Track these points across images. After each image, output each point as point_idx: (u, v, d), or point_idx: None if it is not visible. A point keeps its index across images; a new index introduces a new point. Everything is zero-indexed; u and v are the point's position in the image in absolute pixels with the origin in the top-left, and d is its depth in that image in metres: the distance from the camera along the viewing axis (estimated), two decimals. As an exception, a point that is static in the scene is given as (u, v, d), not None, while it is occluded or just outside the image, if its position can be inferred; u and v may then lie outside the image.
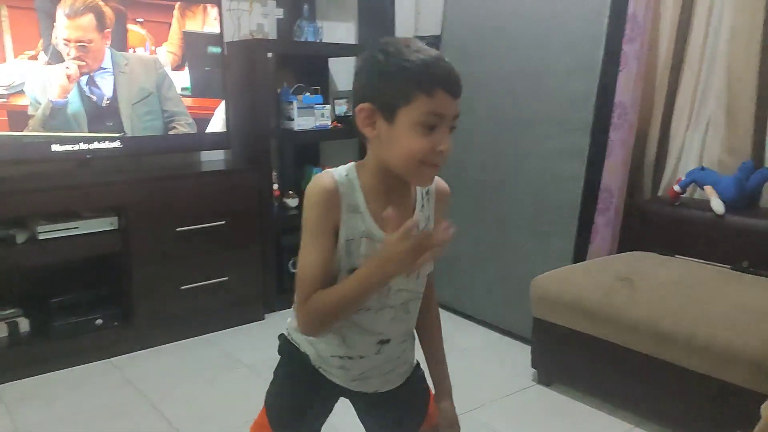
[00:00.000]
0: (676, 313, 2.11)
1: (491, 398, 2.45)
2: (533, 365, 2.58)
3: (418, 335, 1.34)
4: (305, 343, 1.24)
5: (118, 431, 2.23)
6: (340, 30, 3.75)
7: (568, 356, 2.46)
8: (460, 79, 1.08)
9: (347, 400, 1.32)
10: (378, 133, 1.07)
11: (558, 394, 2.50)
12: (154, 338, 2.87)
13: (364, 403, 1.31)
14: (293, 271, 3.33)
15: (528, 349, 2.60)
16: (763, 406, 1.64)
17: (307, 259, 1.09)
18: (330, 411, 1.32)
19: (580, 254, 2.77)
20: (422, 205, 1.19)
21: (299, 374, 1.26)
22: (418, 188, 1.19)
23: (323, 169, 3.44)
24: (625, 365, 2.24)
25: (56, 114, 2.69)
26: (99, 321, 2.75)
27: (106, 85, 2.80)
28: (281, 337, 1.30)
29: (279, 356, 1.30)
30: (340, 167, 1.14)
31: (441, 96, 1.04)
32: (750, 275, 2.44)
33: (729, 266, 2.54)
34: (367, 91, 1.08)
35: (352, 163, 1.15)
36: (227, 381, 2.60)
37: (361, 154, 3.84)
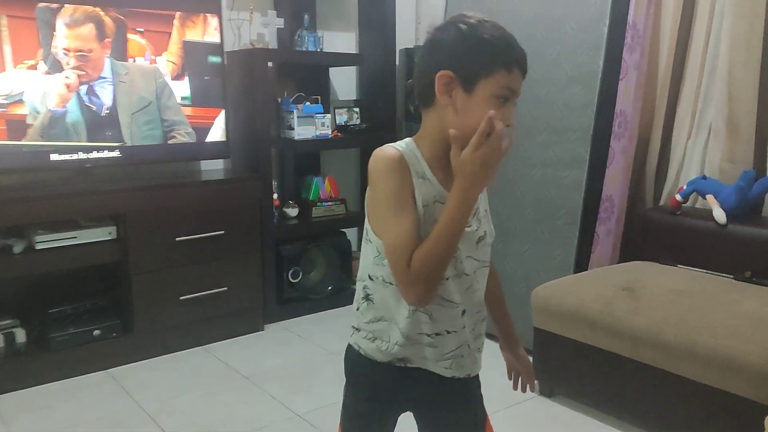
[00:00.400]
0: (677, 323, 2.09)
1: (493, 410, 2.38)
2: (535, 376, 2.55)
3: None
4: (385, 344, 1.19)
5: (115, 443, 2.21)
6: (341, 39, 3.75)
7: (570, 367, 2.43)
8: None
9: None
10: (453, 101, 1.11)
11: (560, 405, 2.47)
12: (152, 349, 2.85)
13: (427, 406, 1.27)
14: (293, 281, 3.32)
15: (530, 359, 2.57)
16: (767, 420, 1.63)
17: (399, 230, 1.08)
18: (395, 423, 1.31)
19: (581, 264, 2.76)
20: None
21: (370, 394, 1.25)
22: None
23: (324, 178, 3.50)
24: (627, 375, 2.22)
25: (55, 123, 2.69)
26: (97, 332, 2.73)
27: (105, 94, 2.79)
28: (348, 353, 1.26)
29: (346, 376, 1.28)
30: (397, 142, 1.16)
31: (516, 73, 1.11)
32: (753, 285, 2.42)
33: (731, 276, 2.53)
34: (449, 59, 1.10)
35: (409, 138, 1.17)
36: (226, 392, 2.58)
37: (361, 163, 3.86)
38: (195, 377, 2.70)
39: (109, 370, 2.75)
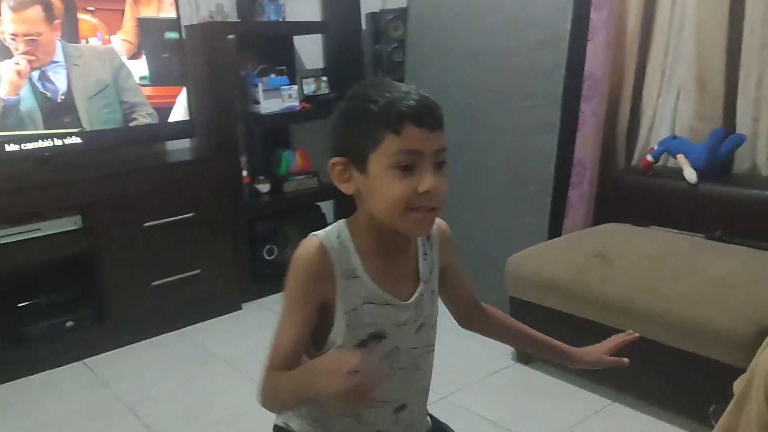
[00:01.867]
0: (650, 290, 2.10)
1: (471, 380, 2.44)
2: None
3: (504, 340, 1.33)
4: (308, 428, 1.12)
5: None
6: (304, 6, 3.63)
7: (546, 334, 2.44)
8: (439, 109, 0.99)
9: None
10: (356, 187, 1.00)
11: (537, 371, 2.50)
12: (128, 337, 2.83)
13: None
14: (269, 258, 3.29)
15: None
16: (735, 383, 1.65)
17: (281, 332, 1.01)
18: None
19: (555, 229, 2.75)
20: (425, 254, 1.11)
21: None
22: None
23: (294, 152, 3.44)
24: (600, 341, 2.23)
25: (8, 112, 2.59)
26: (70, 323, 2.69)
27: (59, 79, 2.69)
28: (276, 430, 1.18)
29: None
30: (329, 228, 1.05)
31: (411, 131, 0.94)
32: (724, 244, 2.43)
33: (703, 235, 2.54)
34: (335, 144, 1.01)
35: (342, 221, 1.06)
36: (204, 376, 2.57)
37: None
38: (173, 363, 2.69)
39: (85, 360, 2.72)
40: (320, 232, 1.04)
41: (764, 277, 2.08)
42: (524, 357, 2.56)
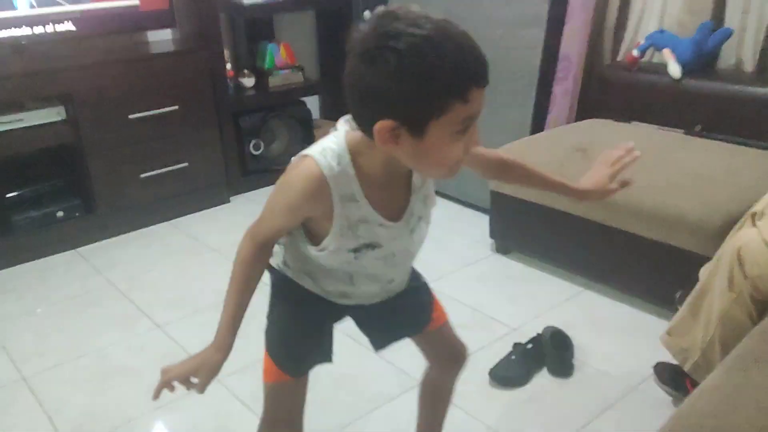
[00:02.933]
0: (626, 182, 2.15)
1: (451, 269, 2.54)
2: (491, 235, 2.65)
3: (525, 186, 1.36)
4: (304, 277, 1.18)
5: (90, 319, 2.29)
6: None
7: (525, 226, 2.53)
8: (483, 54, 0.91)
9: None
10: (402, 147, 0.91)
11: (515, 261, 2.60)
12: (118, 227, 2.88)
13: (366, 315, 1.27)
14: (255, 153, 3.30)
15: (487, 219, 2.67)
16: (701, 270, 1.74)
17: (267, 218, 1.06)
18: (332, 330, 1.28)
19: (538, 124, 2.77)
20: (420, 184, 1.10)
21: (303, 305, 1.21)
22: None
23: (278, 45, 3.37)
24: (576, 233, 2.32)
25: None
26: (60, 213, 2.73)
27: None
28: (272, 272, 1.22)
29: (272, 295, 1.25)
30: (329, 150, 0.98)
31: (475, 95, 0.88)
32: (702, 139, 2.47)
33: (683, 131, 2.57)
34: (383, 104, 0.88)
35: (344, 142, 0.98)
36: (194, 264, 2.65)
37: (317, 26, 3.70)
38: (163, 252, 2.76)
39: (78, 249, 2.79)
40: (321, 159, 0.97)
41: (738, 171, 2.14)
42: (503, 248, 2.65)
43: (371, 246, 1.08)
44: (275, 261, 1.21)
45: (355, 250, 1.07)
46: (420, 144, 0.90)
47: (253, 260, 1.07)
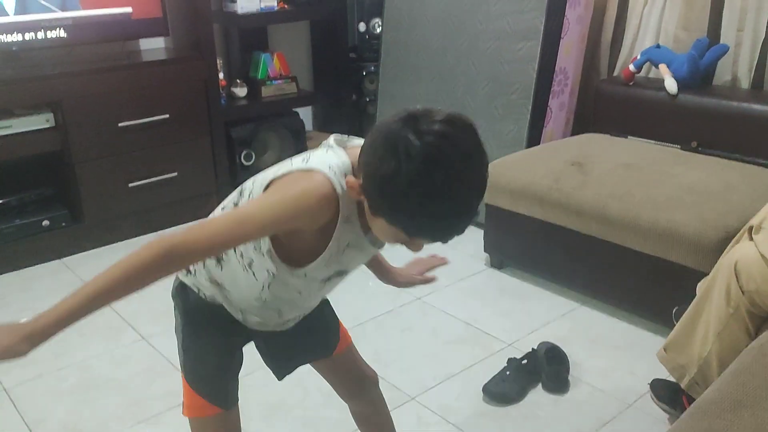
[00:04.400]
0: (622, 197, 2.13)
1: (445, 283, 2.50)
2: (485, 250, 2.62)
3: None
4: (220, 298, 1.12)
5: (73, 329, 2.22)
6: None
7: (520, 240, 2.50)
8: (469, 221, 0.90)
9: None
10: (362, 201, 0.93)
11: (509, 276, 2.56)
12: (105, 237, 2.83)
13: (276, 340, 1.22)
14: (246, 163, 3.26)
15: (482, 234, 2.63)
16: (699, 285, 1.71)
17: (233, 226, 0.92)
18: (242, 357, 1.23)
19: (533, 138, 2.75)
20: None
21: (218, 332, 1.15)
22: None
23: (272, 55, 3.35)
24: (573, 248, 2.29)
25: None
26: (46, 222, 2.68)
27: (24, -32, 2.55)
28: (183, 290, 1.14)
29: (182, 316, 1.17)
30: (333, 165, 0.95)
31: (423, 242, 0.95)
32: (699, 155, 2.46)
33: (679, 146, 2.56)
34: (364, 173, 0.89)
35: (347, 159, 0.97)
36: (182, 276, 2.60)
37: (312, 37, 3.68)
38: (151, 263, 2.71)
39: (63, 259, 2.73)
40: (331, 175, 0.94)
41: (735, 186, 2.12)
42: (497, 262, 2.62)
43: (342, 273, 1.08)
44: (191, 280, 1.13)
45: (329, 279, 1.07)
46: (371, 216, 0.93)
47: (156, 269, 0.88)
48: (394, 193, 0.85)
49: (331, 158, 0.96)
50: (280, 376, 1.28)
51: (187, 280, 1.13)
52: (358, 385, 1.35)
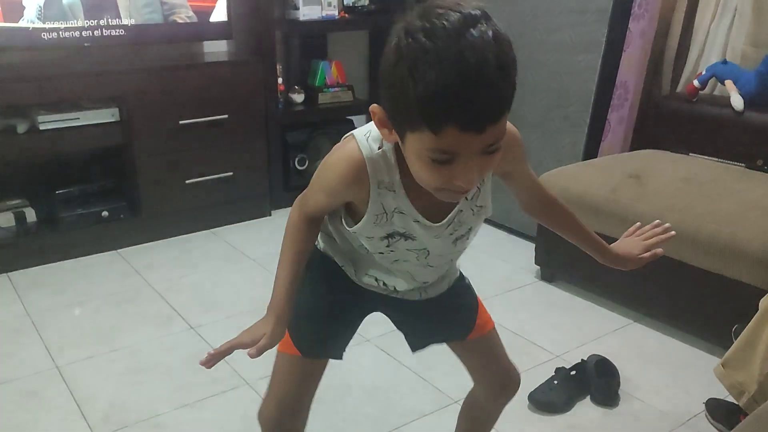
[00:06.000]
0: (682, 210, 2.06)
1: (494, 293, 2.47)
2: (537, 262, 2.57)
3: (562, 233, 1.24)
4: (345, 259, 1.15)
5: (125, 316, 2.28)
6: None
7: (572, 253, 2.39)
8: (506, 88, 0.78)
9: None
10: (395, 139, 0.87)
11: (560, 290, 2.51)
12: (160, 231, 2.90)
13: (402, 312, 1.22)
14: (300, 168, 3.31)
15: (533, 247, 2.59)
16: (762, 300, 1.64)
17: (313, 197, 1.03)
18: (357, 326, 1.22)
19: (591, 152, 2.70)
20: (473, 192, 1.02)
21: (337, 287, 1.16)
22: None
23: (330, 63, 3.40)
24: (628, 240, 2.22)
25: (51, 4, 2.59)
26: (105, 213, 2.76)
27: (101, -29, 2.67)
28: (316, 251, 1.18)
29: (306, 269, 1.16)
30: (373, 133, 0.94)
31: (452, 134, 0.76)
32: (764, 173, 2.37)
33: (743, 165, 2.47)
34: (382, 92, 0.83)
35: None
36: (233, 273, 2.64)
37: (370, 46, 3.72)
38: (202, 258, 2.76)
39: (119, 250, 2.81)
40: (362, 141, 0.93)
41: (803, 204, 2.03)
42: (548, 275, 2.57)
43: (404, 236, 1.03)
44: (321, 245, 1.18)
45: (388, 237, 1.02)
46: (404, 147, 0.85)
47: (303, 226, 1.06)
48: (392, 76, 0.78)
49: (367, 129, 0.96)
50: (414, 348, 1.27)
51: (319, 245, 1.19)
52: (494, 380, 1.31)
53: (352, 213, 1.05)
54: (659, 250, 1.28)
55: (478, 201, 1.04)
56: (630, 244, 1.30)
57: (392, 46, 0.79)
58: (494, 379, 1.32)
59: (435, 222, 1.01)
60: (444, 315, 1.23)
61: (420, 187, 0.90)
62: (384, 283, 1.15)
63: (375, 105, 0.86)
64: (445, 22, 0.75)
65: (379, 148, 0.93)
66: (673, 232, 1.31)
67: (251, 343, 0.99)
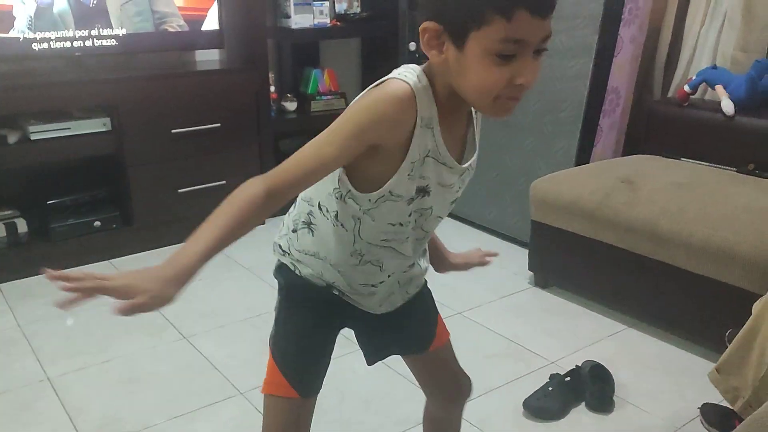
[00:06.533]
0: (675, 214, 2.07)
1: (488, 299, 2.46)
2: (530, 268, 2.57)
3: None
4: (318, 269, 1.09)
5: (118, 326, 2.26)
6: None
7: (566, 258, 2.44)
8: None
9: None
10: (446, 58, 0.88)
11: (554, 295, 2.50)
12: (153, 240, 2.88)
13: (370, 322, 1.17)
14: (293, 175, 3.30)
15: (526, 253, 2.59)
16: (754, 305, 1.64)
17: (315, 152, 0.90)
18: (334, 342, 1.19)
19: (583, 157, 2.71)
20: (475, 121, 1.06)
21: (315, 310, 1.12)
22: None
23: (323, 71, 3.40)
24: (621, 266, 2.23)
25: (42, 14, 2.58)
26: (97, 223, 2.75)
27: (92, -19, 2.67)
28: (282, 269, 1.13)
29: (282, 294, 1.15)
30: (409, 71, 0.93)
31: (524, 18, 0.81)
32: (755, 177, 2.38)
33: (735, 169, 2.48)
34: (432, 5, 0.87)
35: (417, 67, 0.95)
36: (227, 281, 2.63)
37: (362, 54, 3.73)
38: (196, 268, 2.74)
39: (111, 260, 2.79)
40: (407, 75, 0.92)
41: (795, 208, 2.03)
42: (542, 281, 2.57)
43: (425, 191, 1.00)
44: (288, 260, 1.12)
45: (413, 199, 0.99)
46: (461, 58, 0.86)
47: (261, 201, 0.90)
48: None
49: (400, 70, 0.94)
50: (371, 361, 1.23)
51: (285, 260, 1.12)
52: (448, 389, 1.30)
53: (363, 181, 0.97)
54: (489, 258, 1.33)
55: (475, 157, 1.06)
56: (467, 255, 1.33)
57: None
58: (448, 388, 1.30)
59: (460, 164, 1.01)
60: (409, 327, 1.21)
61: (445, 125, 0.94)
62: (373, 285, 1.11)
63: (427, 21, 0.87)
64: None
65: (419, 82, 0.92)
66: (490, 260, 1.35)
67: (123, 294, 0.80)
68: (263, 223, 3.45)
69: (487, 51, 0.84)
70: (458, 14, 0.84)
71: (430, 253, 1.23)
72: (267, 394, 1.12)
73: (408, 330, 1.22)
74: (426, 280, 1.23)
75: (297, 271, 1.10)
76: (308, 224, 1.07)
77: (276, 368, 1.11)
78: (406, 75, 0.92)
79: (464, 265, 1.31)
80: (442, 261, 1.29)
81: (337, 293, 1.11)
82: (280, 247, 1.13)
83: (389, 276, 1.11)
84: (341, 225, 1.03)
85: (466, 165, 1.03)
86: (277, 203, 0.92)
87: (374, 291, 1.11)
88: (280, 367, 1.11)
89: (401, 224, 1.02)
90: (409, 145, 0.93)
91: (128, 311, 0.80)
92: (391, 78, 0.93)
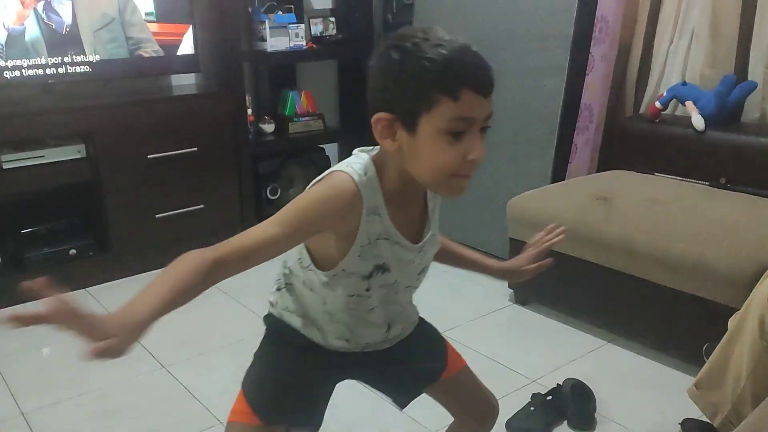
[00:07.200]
0: (650, 231, 2.09)
1: (468, 318, 2.46)
2: (510, 285, 2.58)
3: (443, 261, 1.25)
4: (305, 326, 1.12)
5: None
6: (313, -56, 3.56)
7: (544, 276, 2.40)
8: (492, 71, 0.93)
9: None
10: (399, 145, 0.93)
11: (534, 313, 2.51)
12: (130, 267, 2.85)
13: (374, 367, 1.19)
14: (272, 198, 3.30)
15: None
16: (730, 320, 1.66)
17: (263, 231, 0.92)
18: (330, 395, 1.20)
19: (558, 174, 2.74)
20: (432, 209, 1.09)
21: (303, 354, 1.14)
22: None
23: (300, 93, 3.41)
24: (599, 283, 2.25)
25: (13, 42, 2.56)
26: (73, 251, 2.72)
27: (64, 11, 2.65)
28: (269, 318, 1.17)
29: (269, 340, 1.18)
30: (356, 163, 0.98)
31: (468, 97, 0.88)
32: (728, 191, 2.42)
33: (707, 183, 2.52)
34: (383, 97, 0.92)
35: (367, 156, 1.00)
36: (205, 306, 2.57)
37: (339, 76, 3.74)
38: (174, 294, 2.71)
39: (89, 288, 2.76)
40: (350, 170, 0.96)
41: (766, 220, 2.07)
42: (522, 298, 2.58)
43: (383, 268, 1.03)
44: (275, 311, 1.16)
45: (369, 276, 1.02)
46: (415, 142, 0.91)
47: (207, 268, 0.86)
48: (401, 70, 0.89)
49: (350, 160, 0.99)
50: (401, 405, 1.28)
51: (273, 311, 1.17)
52: (478, 411, 1.32)
53: (321, 258, 1.03)
54: (545, 262, 1.32)
55: (435, 229, 1.09)
56: (520, 256, 1.33)
57: (387, 55, 0.91)
58: (475, 411, 1.33)
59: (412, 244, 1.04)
60: (415, 362, 1.22)
61: (396, 209, 0.99)
62: (351, 341, 1.13)
63: (378, 113, 0.92)
64: (429, 34, 0.91)
65: (365, 174, 0.97)
66: (561, 236, 1.34)
67: (97, 336, 0.73)
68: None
69: (439, 130, 0.89)
70: (408, 100, 0.90)
71: (471, 269, 1.30)
72: (230, 422, 1.13)
73: (413, 366, 1.23)
74: (421, 318, 1.25)
75: (284, 321, 1.14)
76: (287, 284, 1.13)
77: (242, 397, 1.13)
78: (353, 166, 0.97)
79: (512, 275, 1.34)
80: (487, 272, 1.32)
81: (322, 344, 1.13)
82: (270, 303, 1.18)
83: (367, 342, 1.14)
84: (310, 290, 1.08)
85: (419, 244, 1.05)
86: (222, 273, 0.89)
87: (348, 347, 1.13)
88: (246, 394, 1.13)
89: (359, 296, 1.05)
90: (357, 232, 0.97)
91: (99, 354, 0.73)
92: (336, 171, 0.97)
